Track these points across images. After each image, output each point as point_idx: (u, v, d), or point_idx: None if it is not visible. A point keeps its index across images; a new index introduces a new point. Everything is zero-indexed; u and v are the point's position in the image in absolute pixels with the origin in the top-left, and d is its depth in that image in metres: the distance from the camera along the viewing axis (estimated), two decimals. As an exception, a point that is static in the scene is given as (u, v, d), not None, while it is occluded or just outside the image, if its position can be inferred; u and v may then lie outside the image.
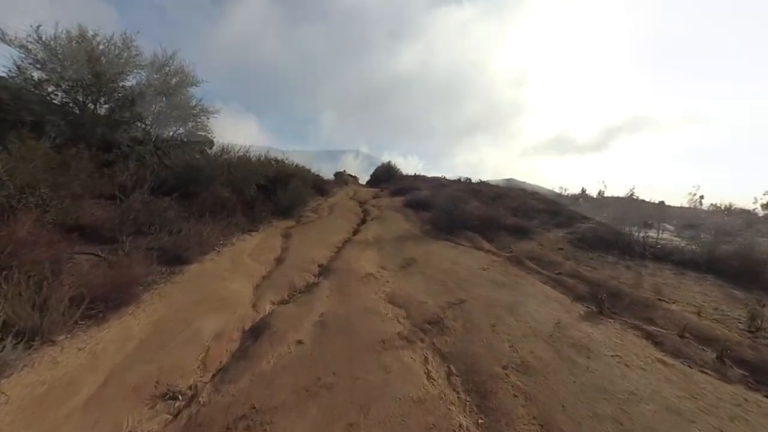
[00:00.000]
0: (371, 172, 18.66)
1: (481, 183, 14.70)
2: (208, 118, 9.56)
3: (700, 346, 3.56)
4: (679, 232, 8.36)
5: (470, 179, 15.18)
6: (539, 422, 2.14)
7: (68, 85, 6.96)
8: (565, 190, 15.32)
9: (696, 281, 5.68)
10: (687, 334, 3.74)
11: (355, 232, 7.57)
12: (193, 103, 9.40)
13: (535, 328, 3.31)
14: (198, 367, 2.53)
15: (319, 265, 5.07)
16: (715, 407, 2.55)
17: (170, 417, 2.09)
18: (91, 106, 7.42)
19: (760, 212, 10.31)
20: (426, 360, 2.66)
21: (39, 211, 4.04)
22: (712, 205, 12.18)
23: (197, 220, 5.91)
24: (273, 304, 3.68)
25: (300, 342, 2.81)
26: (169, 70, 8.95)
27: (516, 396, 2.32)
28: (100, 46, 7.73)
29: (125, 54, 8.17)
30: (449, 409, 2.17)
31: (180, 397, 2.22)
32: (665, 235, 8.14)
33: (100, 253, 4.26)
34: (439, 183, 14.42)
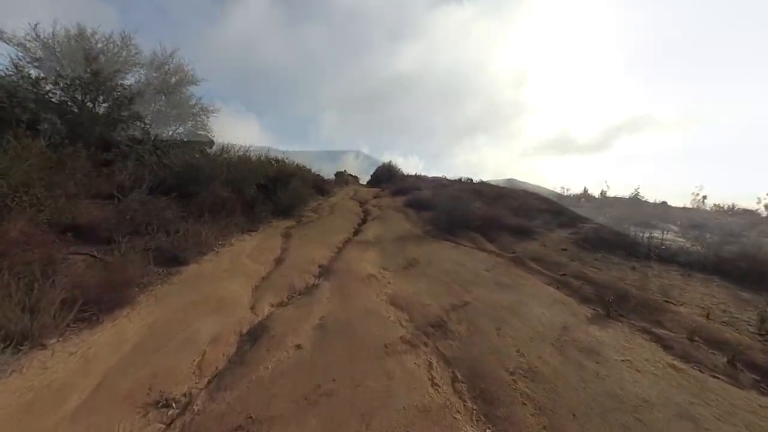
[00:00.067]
0: (372, 172, 18.55)
1: (482, 183, 14.60)
2: (208, 118, 9.49)
3: (710, 350, 3.47)
4: (684, 233, 8.25)
5: (471, 179, 15.08)
6: (550, 432, 2.04)
7: (66, 83, 6.87)
8: (567, 190, 15.22)
9: (703, 283, 5.58)
10: (696, 338, 3.64)
11: (356, 232, 7.48)
12: (193, 102, 9.33)
13: (541, 332, 3.21)
14: (193, 373, 2.44)
15: (320, 266, 4.98)
16: (731, 414, 2.45)
17: (163, 426, 2.00)
18: (89, 104, 7.33)
19: (764, 212, 10.21)
20: (430, 365, 2.57)
21: (33, 211, 3.95)
22: (715, 205, 12.07)
23: (196, 220, 5.82)
24: (272, 306, 3.59)
25: (299, 347, 2.71)
26: (169, 69, 8.88)
27: (525, 404, 2.22)
28: (99, 45, 7.66)
29: (124, 52, 8.09)
30: (455, 418, 2.07)
31: (174, 405, 2.13)
32: (669, 236, 8.04)
33: (95, 254, 4.17)
34: (440, 183, 14.32)
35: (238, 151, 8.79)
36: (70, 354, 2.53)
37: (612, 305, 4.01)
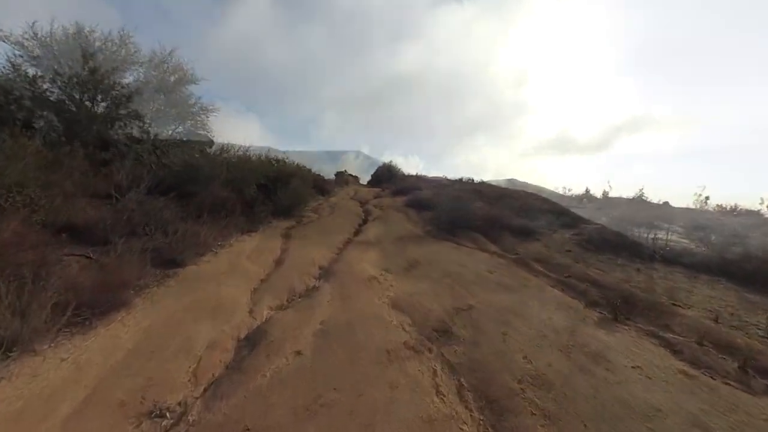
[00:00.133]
0: (372, 172, 18.48)
1: (483, 183, 14.51)
2: (208, 117, 9.41)
3: (720, 355, 3.38)
4: (688, 234, 8.17)
5: (472, 179, 14.99)
6: (560, 444, 1.96)
7: (63, 81, 6.78)
8: (569, 190, 15.15)
9: (709, 285, 5.50)
10: (706, 342, 3.56)
11: (357, 233, 7.39)
12: (192, 101, 9.25)
13: (548, 337, 3.13)
14: (189, 380, 2.35)
15: (320, 267, 4.89)
16: (746, 424, 2.37)
17: (157, 437, 1.91)
18: (88, 103, 7.24)
19: (767, 213, 10.12)
20: (435, 373, 2.48)
21: (27, 211, 3.87)
22: (717, 205, 11.98)
23: (194, 220, 5.73)
24: (271, 309, 3.50)
25: (299, 353, 2.62)
26: (168, 67, 8.80)
27: (534, 414, 2.13)
28: (97, 43, 7.57)
29: (123, 51, 8.01)
30: (462, 429, 1.98)
31: (168, 415, 2.03)
32: (674, 237, 7.96)
33: (91, 255, 4.08)
34: (441, 183, 14.23)
35: (237, 151, 8.71)
36: (61, 360, 2.44)
37: (619, 309, 3.92)
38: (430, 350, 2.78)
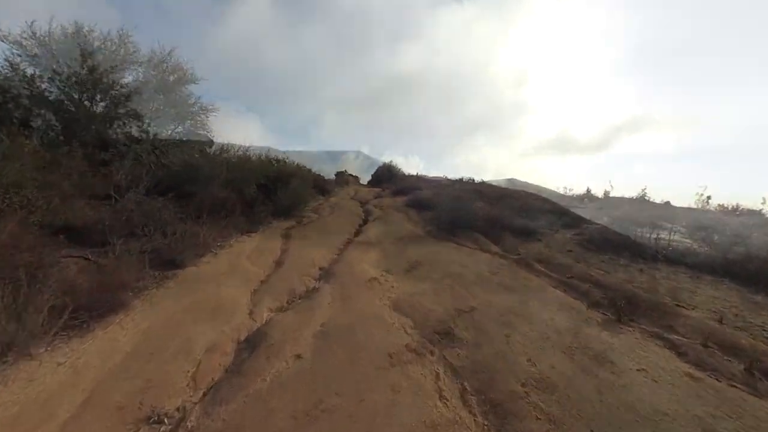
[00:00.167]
0: (372, 172, 18.44)
1: (483, 183, 14.47)
2: (207, 117, 9.38)
3: (725, 357, 3.34)
4: (691, 234, 8.12)
5: (473, 179, 14.94)
6: (566, 449, 1.92)
7: (62, 81, 6.74)
8: (570, 190, 15.11)
9: (712, 285, 5.46)
10: (711, 344, 3.52)
11: (357, 233, 7.35)
12: (192, 101, 9.21)
13: (552, 339, 3.09)
14: (187, 385, 2.31)
15: (320, 268, 4.85)
16: (755, 428, 2.33)
17: (154, 444, 1.87)
18: (87, 103, 7.20)
19: (769, 213, 10.08)
20: (437, 376, 2.44)
21: (24, 212, 3.83)
22: (719, 205, 11.94)
23: (194, 221, 5.69)
24: (271, 311, 3.46)
25: (299, 356, 2.58)
26: (167, 67, 8.76)
27: (539, 419, 2.09)
28: (96, 43, 7.53)
29: (122, 50, 7.97)
30: (466, 434, 1.94)
31: (166, 421, 2.00)
32: (676, 237, 7.91)
33: (89, 257, 4.04)
34: (441, 183, 14.19)
35: (237, 151, 8.67)
36: (58, 364, 2.40)
37: (623, 310, 3.88)
38: (432, 353, 2.74)
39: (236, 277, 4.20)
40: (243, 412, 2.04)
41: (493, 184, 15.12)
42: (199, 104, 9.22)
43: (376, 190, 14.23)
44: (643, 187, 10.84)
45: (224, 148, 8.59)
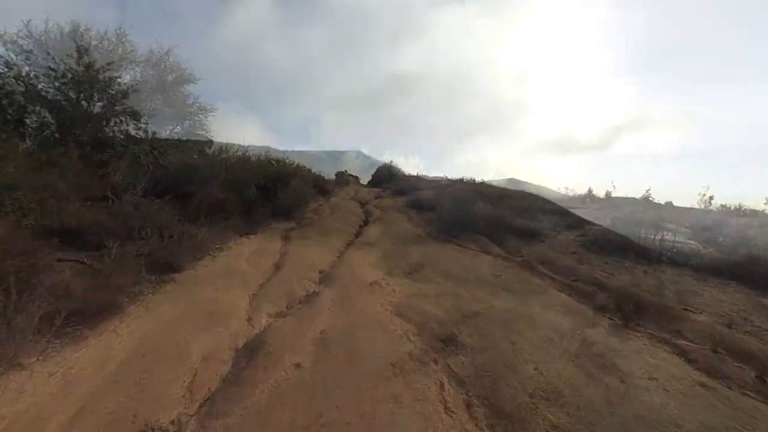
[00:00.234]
0: (372, 173, 18.34)
1: (483, 183, 14.38)
2: (206, 117, 9.27)
3: (736, 363, 3.26)
4: (695, 235, 8.04)
5: (473, 179, 14.84)
6: (577, 465, 1.83)
7: (57, 78, 6.63)
8: (571, 190, 15.03)
9: (719, 288, 5.37)
10: (720, 350, 3.44)
11: (358, 234, 7.27)
12: (191, 101, 9.11)
13: (559, 346, 3.00)
14: (183, 396, 2.22)
15: (320, 271, 4.76)
16: (771, 441, 2.25)
17: (147, 461, 1.79)
18: (84, 103, 7.11)
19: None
20: (441, 386, 2.35)
21: (18, 215, 3.74)
22: (721, 205, 11.86)
23: (192, 222, 5.60)
24: (270, 316, 3.37)
25: (298, 365, 2.49)
26: (165, 66, 8.66)
27: (548, 431, 2.01)
28: (93, 42, 7.43)
29: (119, 49, 7.87)
30: (473, 450, 1.86)
31: (160, 435, 1.91)
32: (680, 238, 7.83)
33: (84, 260, 3.95)
34: (441, 183, 14.09)
35: (237, 152, 8.58)
36: (49, 375, 2.32)
37: (630, 315, 3.80)
38: (435, 361, 2.65)
39: (235, 281, 4.11)
40: (240, 426, 1.96)
41: (494, 184, 15.02)
42: (197, 104, 9.12)
43: (377, 190, 14.14)
44: (647, 188, 10.76)
45: (223, 149, 8.50)
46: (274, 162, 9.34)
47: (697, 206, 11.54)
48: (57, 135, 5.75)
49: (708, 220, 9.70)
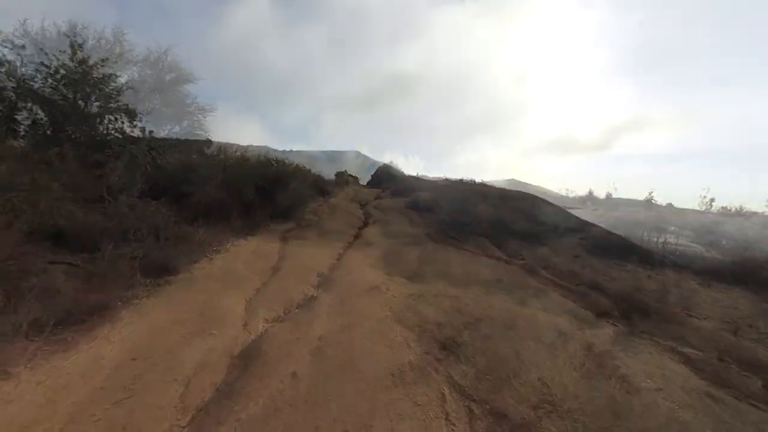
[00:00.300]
0: (372, 173, 18.27)
1: (483, 184, 14.32)
2: (205, 117, 9.20)
3: (742, 372, 3.19)
4: (697, 237, 7.97)
5: (474, 180, 14.78)
6: (584, 483, 1.76)
7: (50, 74, 6.53)
8: (571, 191, 14.96)
9: (724, 293, 5.31)
10: (726, 358, 3.37)
11: (357, 236, 7.19)
12: (189, 100, 9.04)
13: (563, 355, 2.92)
14: (175, 407, 2.14)
15: (319, 274, 4.68)
16: (782, 455, 2.17)
17: (136, 478, 1.71)
18: (81, 102, 7.01)
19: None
20: (443, 398, 2.28)
21: (10, 217, 3.65)
22: (722, 207, 11.80)
23: (189, 224, 5.52)
24: (267, 322, 3.29)
25: (295, 375, 2.41)
26: (163, 66, 8.58)
27: (554, 448, 1.93)
28: (90, 41, 7.34)
29: (117, 48, 7.78)
30: (476, 467, 1.78)
31: (150, 450, 1.84)
32: (683, 240, 7.76)
33: (77, 263, 3.87)
34: (441, 184, 14.02)
35: (236, 152, 8.49)
36: (37, 384, 2.24)
37: (635, 321, 3.74)
38: (437, 371, 2.58)
39: (231, 285, 4.03)
40: (234, 440, 1.88)
41: (494, 185, 14.95)
42: (196, 104, 9.05)
43: (376, 191, 14.07)
44: (650, 191, 10.72)
45: (222, 149, 8.42)
46: (273, 162, 9.26)
47: (697, 208, 11.48)
48: (49, 132, 5.64)
49: (709, 223, 9.63)
